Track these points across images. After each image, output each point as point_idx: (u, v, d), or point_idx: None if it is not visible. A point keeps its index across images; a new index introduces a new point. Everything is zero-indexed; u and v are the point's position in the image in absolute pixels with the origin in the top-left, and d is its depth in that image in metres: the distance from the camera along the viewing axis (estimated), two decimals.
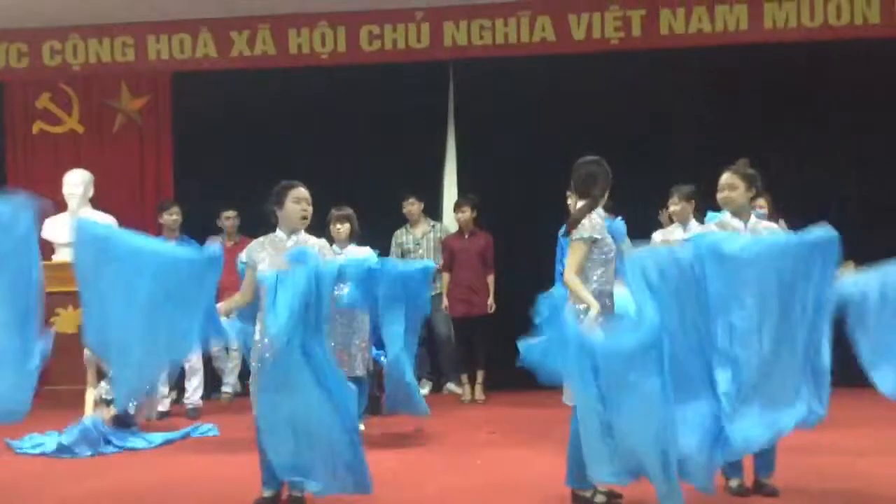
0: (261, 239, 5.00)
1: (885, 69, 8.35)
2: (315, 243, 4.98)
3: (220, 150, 9.00)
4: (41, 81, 9.44)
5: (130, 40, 9.26)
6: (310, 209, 4.96)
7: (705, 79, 8.55)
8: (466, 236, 8.41)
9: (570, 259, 4.70)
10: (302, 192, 4.94)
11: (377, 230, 7.82)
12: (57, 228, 8.51)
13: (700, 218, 6.32)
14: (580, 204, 4.86)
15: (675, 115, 8.49)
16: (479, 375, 8.34)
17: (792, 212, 7.55)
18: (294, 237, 4.94)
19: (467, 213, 8.36)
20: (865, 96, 8.34)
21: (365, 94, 8.95)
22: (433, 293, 8.52)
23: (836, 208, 7.44)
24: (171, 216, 8.08)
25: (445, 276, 8.38)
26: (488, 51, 8.95)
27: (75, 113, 9.46)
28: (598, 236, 4.76)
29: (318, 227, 5.52)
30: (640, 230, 7.40)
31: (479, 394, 8.34)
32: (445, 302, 8.37)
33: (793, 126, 8.44)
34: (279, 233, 4.97)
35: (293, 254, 4.76)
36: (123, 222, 8.11)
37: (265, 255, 4.89)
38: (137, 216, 8.72)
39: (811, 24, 8.60)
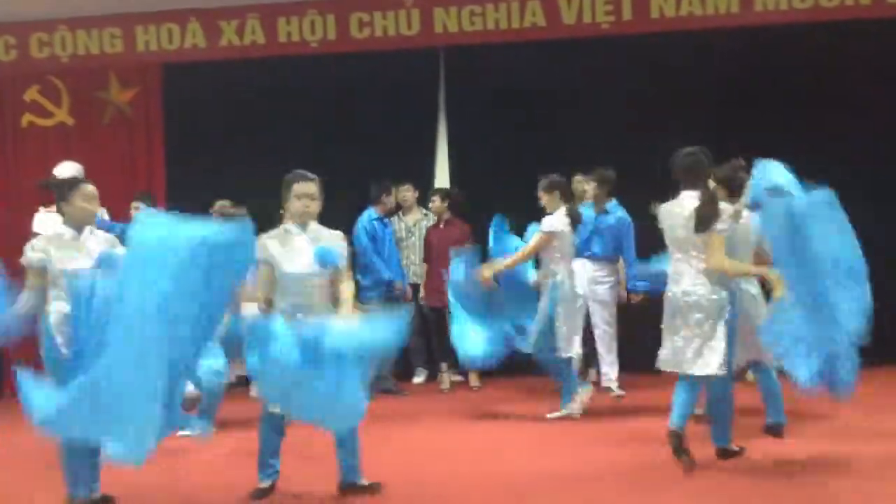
0: (272, 233, 4.88)
1: (877, 49, 8.33)
2: (328, 235, 4.92)
3: (211, 140, 8.96)
4: (30, 74, 9.38)
5: (119, 31, 9.19)
6: (313, 203, 4.85)
7: (696, 62, 8.54)
8: (441, 226, 8.40)
9: (717, 251, 4.96)
10: (304, 187, 4.84)
11: None
12: (48, 222, 8.49)
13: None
14: (688, 193, 5.09)
15: (667, 98, 8.46)
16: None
17: None
18: (308, 229, 4.86)
19: (437, 203, 8.38)
20: (858, 76, 8.34)
21: (355, 82, 8.91)
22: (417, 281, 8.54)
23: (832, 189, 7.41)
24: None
25: (424, 267, 8.41)
26: (479, 37, 8.90)
27: (65, 105, 9.41)
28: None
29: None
30: (635, 215, 7.43)
31: (473, 380, 8.35)
32: (422, 292, 8.40)
33: (785, 107, 8.41)
34: (290, 226, 4.87)
35: (318, 252, 4.76)
36: (114, 215, 8.10)
37: (283, 251, 4.79)
38: (128, 207, 8.67)
39: (802, 6, 8.56)
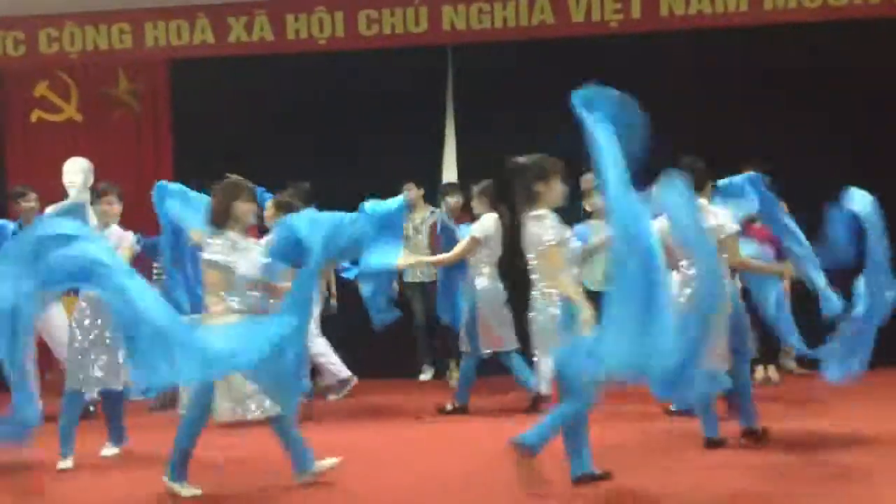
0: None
1: (886, 48, 8.31)
2: None
3: (219, 137, 8.97)
4: (38, 70, 9.42)
5: (127, 27, 9.22)
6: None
7: (705, 61, 8.52)
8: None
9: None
10: None
11: None
12: None
13: None
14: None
15: (675, 97, 8.44)
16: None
17: (795, 195, 7.54)
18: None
19: (454, 200, 8.25)
20: (866, 76, 8.31)
21: (363, 80, 8.92)
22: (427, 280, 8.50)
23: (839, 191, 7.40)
24: (29, 203, 7.75)
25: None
26: (487, 34, 8.91)
27: (73, 101, 9.45)
28: None
29: None
30: None
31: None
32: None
33: (793, 108, 8.39)
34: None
35: None
36: (123, 210, 8.10)
37: None
38: (137, 204, 8.68)
39: (811, 5, 8.56)
